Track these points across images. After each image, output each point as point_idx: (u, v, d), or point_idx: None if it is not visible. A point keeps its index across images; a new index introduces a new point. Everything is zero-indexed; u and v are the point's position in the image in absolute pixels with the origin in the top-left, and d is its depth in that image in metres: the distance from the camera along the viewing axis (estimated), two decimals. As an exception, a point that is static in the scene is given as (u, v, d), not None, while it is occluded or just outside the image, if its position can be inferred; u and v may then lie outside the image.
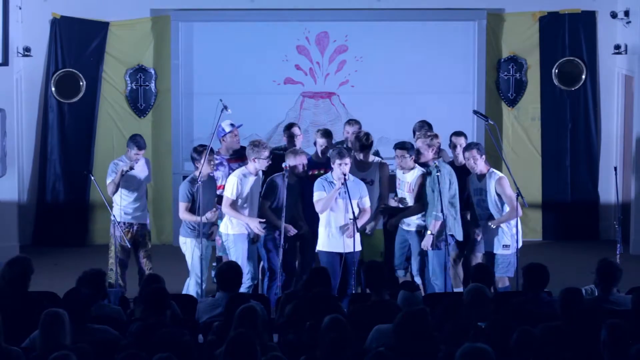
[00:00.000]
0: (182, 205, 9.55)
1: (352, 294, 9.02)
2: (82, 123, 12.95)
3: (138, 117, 13.09)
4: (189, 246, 9.56)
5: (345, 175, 9.17)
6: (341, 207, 9.28)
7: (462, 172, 9.71)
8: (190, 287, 9.54)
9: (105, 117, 13.03)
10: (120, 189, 9.87)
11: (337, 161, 9.23)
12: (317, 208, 9.32)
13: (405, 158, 9.54)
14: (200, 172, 9.35)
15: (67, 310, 6.39)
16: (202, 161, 9.40)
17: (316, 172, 9.83)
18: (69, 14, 12.78)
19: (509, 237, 9.35)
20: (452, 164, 9.89)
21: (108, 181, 9.88)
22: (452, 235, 9.46)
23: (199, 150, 9.64)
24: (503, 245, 9.37)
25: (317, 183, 9.39)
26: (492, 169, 9.46)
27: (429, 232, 9.37)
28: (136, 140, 9.95)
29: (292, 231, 9.50)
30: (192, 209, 9.50)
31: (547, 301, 7.52)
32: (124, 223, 9.86)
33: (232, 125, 10.04)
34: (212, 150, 9.57)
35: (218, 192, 9.81)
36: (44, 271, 10.70)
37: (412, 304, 6.86)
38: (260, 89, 12.95)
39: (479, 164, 9.49)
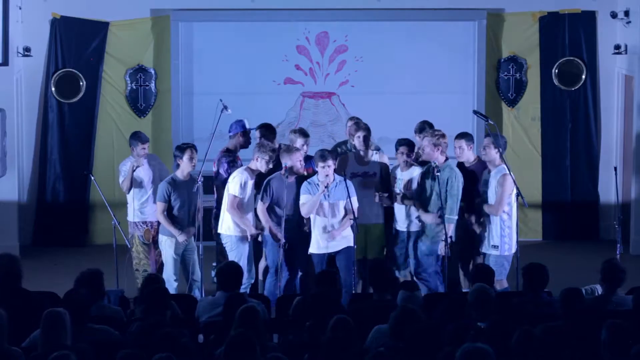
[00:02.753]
0: (160, 206, 9.56)
1: (353, 294, 9.01)
2: (82, 123, 12.94)
3: (138, 117, 13.08)
4: (165, 245, 9.60)
5: (327, 177, 9.22)
6: (326, 209, 9.33)
7: (469, 173, 9.75)
8: None
9: (105, 117, 13.03)
10: (133, 188, 9.91)
11: (320, 164, 9.27)
12: (302, 211, 9.37)
13: (406, 155, 9.56)
14: (200, 171, 9.43)
15: (67, 310, 6.39)
16: (179, 157, 9.52)
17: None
18: (69, 14, 12.77)
19: (498, 237, 9.34)
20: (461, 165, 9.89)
21: (121, 180, 9.98)
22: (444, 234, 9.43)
23: (182, 147, 9.67)
24: (492, 246, 9.36)
25: (303, 186, 9.42)
26: (503, 166, 9.45)
27: (448, 238, 9.34)
28: (138, 136, 10.07)
29: (284, 242, 9.49)
30: (168, 210, 9.54)
31: (547, 301, 7.52)
32: (142, 222, 9.92)
33: (251, 127, 10.15)
34: (195, 148, 9.61)
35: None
36: (44, 271, 10.72)
37: (412, 304, 6.86)
38: (260, 89, 12.95)
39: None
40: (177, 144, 10.11)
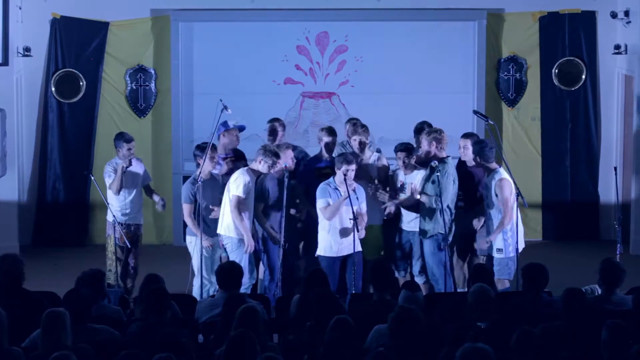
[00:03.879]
0: (186, 208, 9.50)
1: (352, 294, 9.00)
2: (82, 123, 12.96)
3: (138, 117, 13.09)
4: (194, 246, 9.52)
5: (350, 181, 9.18)
6: (342, 212, 9.24)
7: (468, 174, 9.75)
8: (195, 288, 9.52)
9: (105, 117, 13.03)
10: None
11: (345, 167, 9.18)
12: (326, 215, 9.26)
13: (406, 159, 9.56)
14: (200, 171, 9.37)
15: (68, 310, 6.39)
16: (203, 158, 9.41)
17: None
18: (69, 14, 12.78)
19: (501, 240, 9.33)
20: (463, 164, 9.89)
21: (109, 182, 9.87)
22: (442, 234, 9.42)
23: (202, 147, 9.64)
24: (497, 249, 9.35)
25: (321, 189, 9.32)
26: (499, 169, 9.43)
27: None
28: (122, 136, 10.02)
29: (284, 244, 9.49)
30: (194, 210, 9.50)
31: (547, 301, 7.52)
32: (121, 224, 9.85)
33: (234, 125, 10.06)
34: (214, 147, 9.57)
35: None
36: (44, 271, 10.72)
37: (413, 304, 6.86)
38: (260, 89, 12.95)
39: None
40: (197, 144, 9.93)
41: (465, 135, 9.91)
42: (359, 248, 9.31)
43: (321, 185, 9.36)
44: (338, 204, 9.18)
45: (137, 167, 10.02)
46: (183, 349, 6.03)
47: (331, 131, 10.17)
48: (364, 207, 9.38)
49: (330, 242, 9.30)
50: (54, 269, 11.42)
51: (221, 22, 13.06)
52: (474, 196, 9.76)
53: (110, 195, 9.89)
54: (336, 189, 9.26)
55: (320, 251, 9.38)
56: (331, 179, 9.35)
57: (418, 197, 9.48)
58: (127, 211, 9.90)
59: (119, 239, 9.74)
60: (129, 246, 9.81)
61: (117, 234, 9.76)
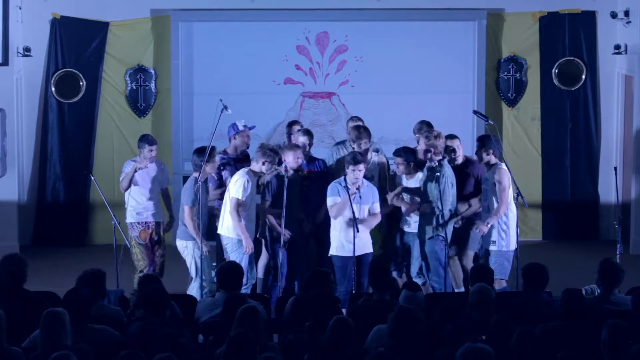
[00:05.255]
0: (189, 210, 9.46)
1: (352, 294, 8.99)
2: (82, 123, 12.96)
3: (138, 117, 13.09)
4: (190, 249, 9.50)
5: (358, 180, 9.18)
6: (355, 211, 9.21)
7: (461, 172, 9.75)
8: (194, 291, 9.48)
9: (105, 117, 13.03)
10: (134, 187, 9.87)
11: (351, 167, 9.21)
12: (332, 213, 9.29)
13: (404, 165, 9.55)
14: (200, 174, 9.34)
15: (67, 310, 6.39)
16: (204, 160, 9.36)
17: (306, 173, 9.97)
18: (69, 14, 12.78)
19: (497, 233, 9.32)
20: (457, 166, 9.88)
21: (121, 177, 9.92)
22: (443, 236, 9.42)
23: (200, 150, 9.60)
24: (491, 241, 9.35)
25: (331, 188, 9.34)
26: (500, 163, 9.45)
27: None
28: (146, 138, 10.00)
29: (287, 236, 9.47)
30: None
31: (547, 301, 7.53)
32: (138, 222, 9.89)
33: (245, 125, 10.05)
34: (214, 149, 9.55)
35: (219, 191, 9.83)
36: (44, 271, 10.73)
37: (414, 304, 6.86)
38: (260, 89, 12.94)
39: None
40: (196, 147, 9.86)
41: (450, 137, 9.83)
42: (371, 249, 9.33)
43: (332, 184, 9.39)
44: (344, 202, 9.19)
45: (151, 170, 9.99)
46: (183, 349, 6.04)
47: (306, 132, 10.18)
48: (377, 207, 9.38)
49: (342, 242, 9.29)
50: (54, 269, 11.43)
51: (221, 22, 13.06)
52: (470, 193, 9.76)
53: (128, 195, 9.91)
54: (346, 187, 9.26)
55: (333, 250, 9.38)
56: (342, 178, 9.36)
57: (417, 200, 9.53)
58: (142, 209, 9.93)
59: (138, 236, 9.78)
60: (129, 245, 9.81)
61: (136, 232, 9.84)
